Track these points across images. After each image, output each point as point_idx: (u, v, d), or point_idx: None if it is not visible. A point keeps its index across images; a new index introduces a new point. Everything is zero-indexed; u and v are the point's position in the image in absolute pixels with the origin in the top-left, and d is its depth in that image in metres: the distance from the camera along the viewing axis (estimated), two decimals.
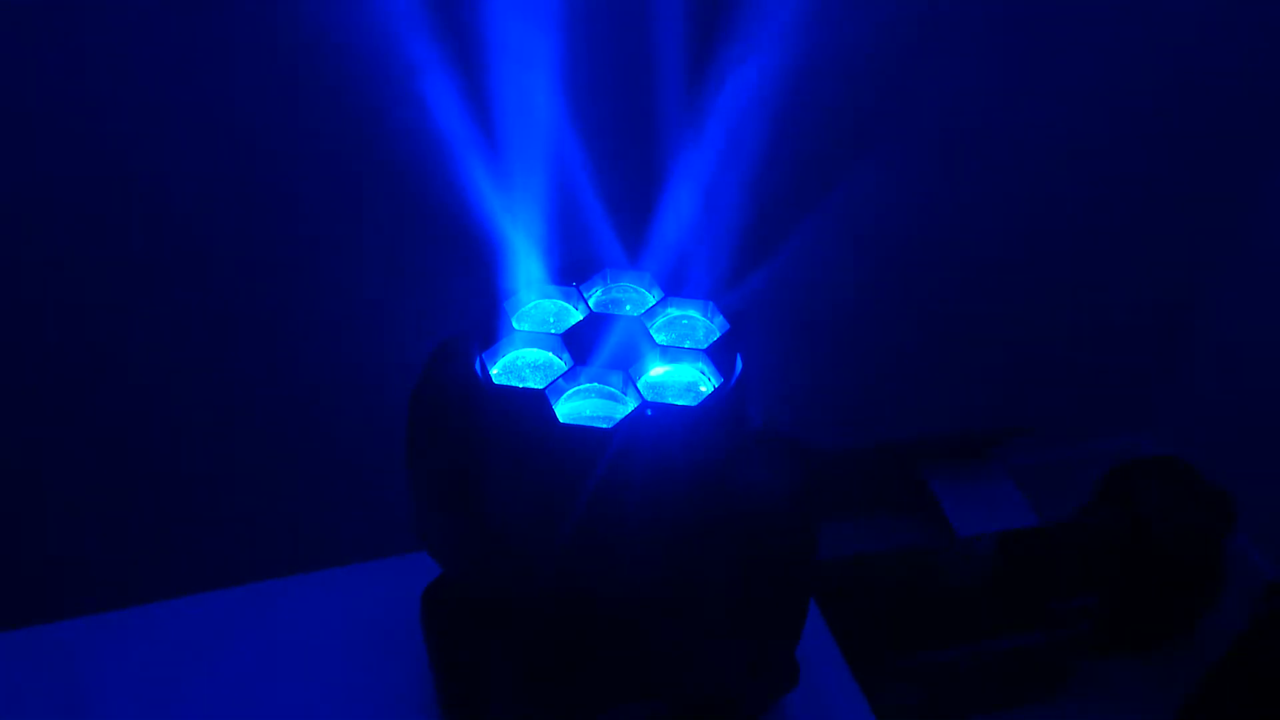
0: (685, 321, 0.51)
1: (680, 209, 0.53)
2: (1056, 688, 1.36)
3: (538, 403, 0.45)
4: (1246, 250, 1.35)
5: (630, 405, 0.46)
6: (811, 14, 0.80)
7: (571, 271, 0.52)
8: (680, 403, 0.46)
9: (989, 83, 1.05)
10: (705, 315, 0.51)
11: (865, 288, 1.18)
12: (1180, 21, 1.07)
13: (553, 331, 0.50)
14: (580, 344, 0.49)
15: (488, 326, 0.49)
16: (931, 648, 1.26)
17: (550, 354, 0.49)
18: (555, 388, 0.46)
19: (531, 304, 0.52)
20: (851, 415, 1.32)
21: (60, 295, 0.91)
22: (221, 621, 0.69)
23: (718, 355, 0.48)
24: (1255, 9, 1.10)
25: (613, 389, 0.47)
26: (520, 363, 0.49)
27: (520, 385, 0.47)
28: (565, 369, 0.47)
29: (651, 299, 0.52)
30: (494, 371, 0.48)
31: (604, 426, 0.45)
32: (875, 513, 1.48)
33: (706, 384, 0.48)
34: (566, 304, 0.52)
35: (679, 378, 0.49)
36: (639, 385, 0.47)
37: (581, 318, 0.50)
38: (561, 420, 0.45)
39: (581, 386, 0.48)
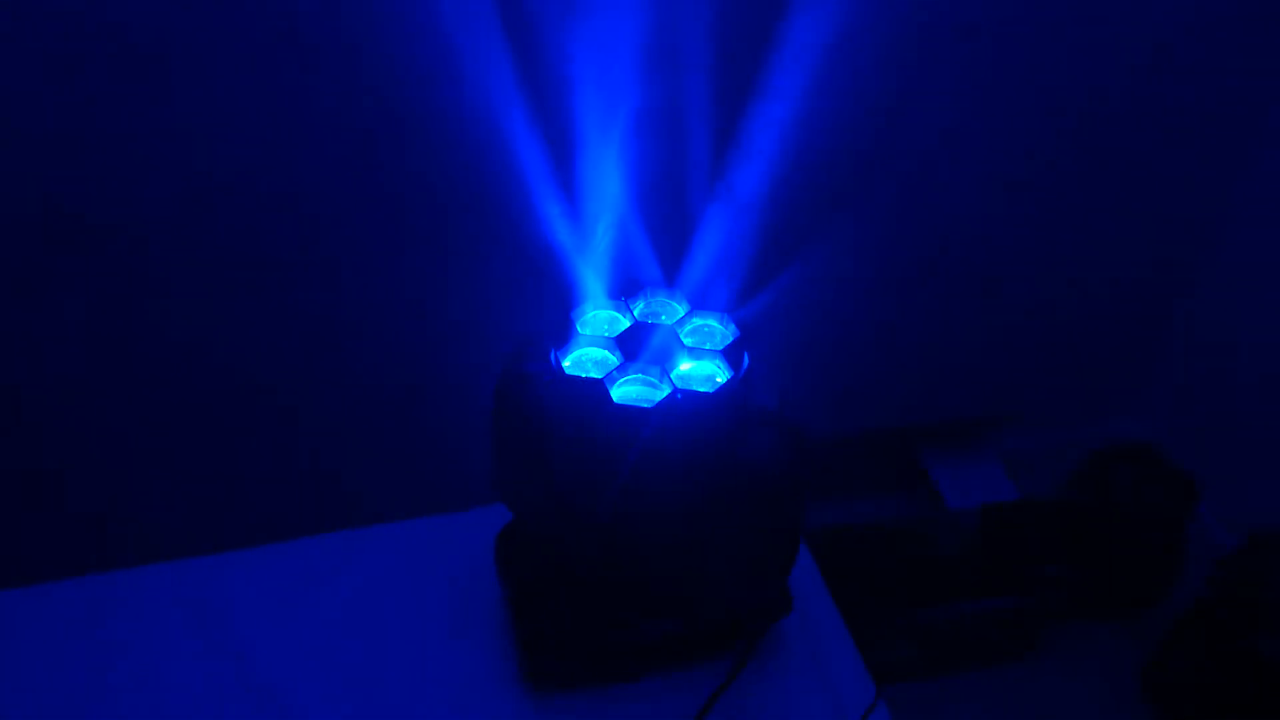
0: (706, 329, 0.65)
1: (705, 245, 0.67)
2: (1030, 647, 1.40)
3: (597, 388, 0.58)
4: (1226, 246, 1.35)
5: (665, 391, 0.59)
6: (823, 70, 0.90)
7: (622, 289, 0.65)
8: (702, 390, 0.60)
9: (974, 81, 1.05)
10: (721, 324, 0.65)
11: (864, 288, 1.21)
12: (1161, 8, 1.06)
13: (607, 335, 0.63)
14: (628, 345, 0.62)
15: (560, 330, 0.62)
16: (920, 607, 1.31)
17: (606, 352, 0.62)
18: (610, 377, 0.60)
19: (592, 314, 0.65)
20: (854, 404, 1.35)
21: (168, 290, 0.97)
22: (323, 564, 0.78)
23: (730, 355, 0.62)
24: None
25: (652, 379, 0.61)
26: (585, 359, 0.62)
27: (584, 375, 0.61)
28: (617, 364, 0.61)
29: (681, 311, 0.65)
30: (565, 364, 0.62)
31: (646, 407, 0.58)
32: (876, 492, 1.52)
33: (722, 376, 0.62)
34: (618, 314, 0.65)
35: (701, 371, 0.62)
36: (671, 376, 0.60)
37: (629, 325, 0.64)
38: (615, 401, 0.59)
39: (630, 377, 0.61)
